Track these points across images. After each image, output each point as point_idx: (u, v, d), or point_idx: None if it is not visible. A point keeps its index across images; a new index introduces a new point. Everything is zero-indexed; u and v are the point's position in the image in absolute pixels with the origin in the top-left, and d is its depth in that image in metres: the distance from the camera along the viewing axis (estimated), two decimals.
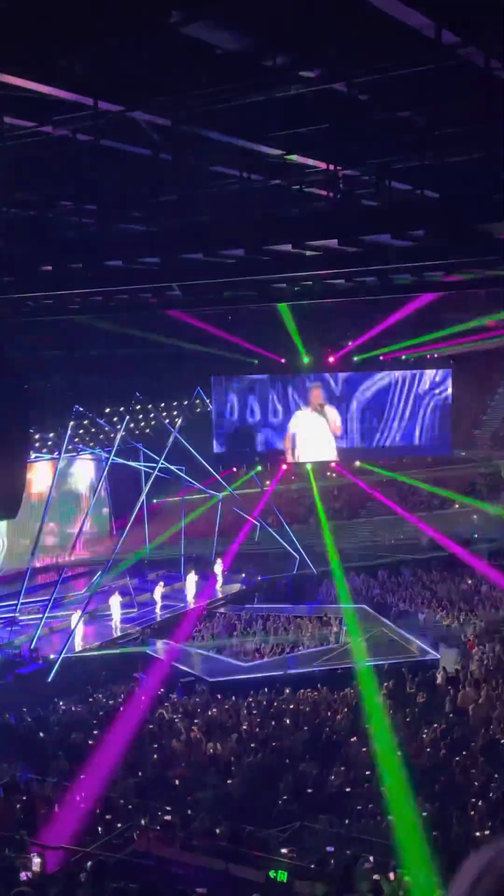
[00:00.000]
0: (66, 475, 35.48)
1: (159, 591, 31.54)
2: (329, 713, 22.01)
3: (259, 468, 38.16)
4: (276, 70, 8.09)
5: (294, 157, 10.72)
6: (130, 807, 16.65)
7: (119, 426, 32.68)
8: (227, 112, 9.00)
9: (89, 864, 12.10)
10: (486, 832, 14.52)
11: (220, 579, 33.85)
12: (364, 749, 19.30)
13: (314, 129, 10.06)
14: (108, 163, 10.41)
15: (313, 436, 37.23)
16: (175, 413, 35.69)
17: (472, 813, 16.07)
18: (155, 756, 19.76)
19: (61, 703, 24.64)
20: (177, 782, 18.39)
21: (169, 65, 8.11)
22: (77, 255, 12.22)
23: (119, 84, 8.43)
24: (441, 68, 7.72)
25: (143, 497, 33.36)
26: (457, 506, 39.46)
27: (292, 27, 7.43)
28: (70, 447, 32.17)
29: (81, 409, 31.74)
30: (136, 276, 13.32)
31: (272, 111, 9.19)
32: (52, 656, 27.33)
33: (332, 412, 37.16)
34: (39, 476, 34.51)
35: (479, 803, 16.38)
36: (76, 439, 32.61)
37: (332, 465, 40.54)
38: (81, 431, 32.91)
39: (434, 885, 11.91)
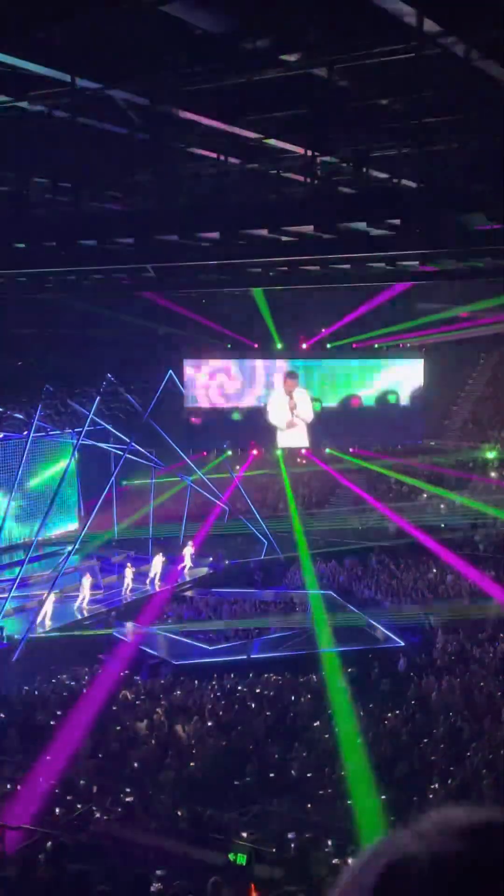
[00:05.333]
0: (34, 455, 35.19)
1: (129, 572, 31.38)
2: (293, 698, 22.11)
3: (229, 452, 38.09)
4: (256, 53, 8.02)
5: (272, 142, 10.67)
6: (93, 788, 16.66)
7: (89, 407, 32.47)
8: (205, 93, 8.93)
9: (49, 844, 12.07)
10: None
11: (188, 562, 33.77)
12: (326, 734, 19.42)
13: (293, 114, 10.01)
14: (84, 141, 10.31)
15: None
16: (146, 395, 35.50)
17: (432, 798, 16.25)
18: (117, 738, 19.74)
19: (24, 685, 24.53)
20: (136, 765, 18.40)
21: (148, 44, 8.02)
22: (51, 234, 12.10)
23: (97, 61, 8.32)
24: (422, 57, 7.70)
25: (112, 479, 33.20)
26: (424, 495, 39.68)
27: (273, 10, 7.37)
28: (40, 427, 31.91)
29: (52, 388, 31.46)
30: (110, 256, 13.22)
31: (251, 94, 9.12)
32: (16, 636, 27.19)
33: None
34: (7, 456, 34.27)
35: (439, 789, 16.58)
36: (46, 419, 32.33)
37: (302, 451, 40.62)
38: (51, 412, 32.61)
39: None
